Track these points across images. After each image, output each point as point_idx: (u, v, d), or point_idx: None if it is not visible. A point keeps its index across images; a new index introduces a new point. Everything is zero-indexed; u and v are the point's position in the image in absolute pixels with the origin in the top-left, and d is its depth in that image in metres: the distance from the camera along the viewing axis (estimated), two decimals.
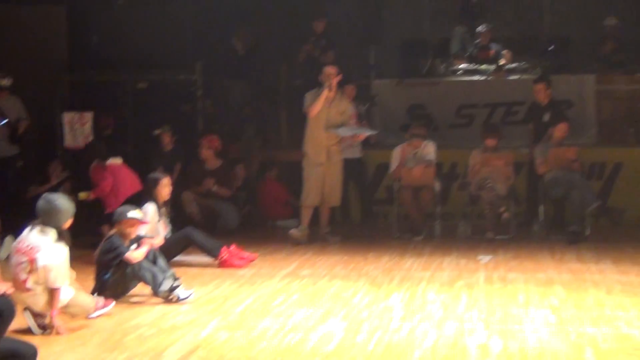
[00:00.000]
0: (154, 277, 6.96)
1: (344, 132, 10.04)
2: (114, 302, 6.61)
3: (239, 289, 7.51)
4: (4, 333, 4.84)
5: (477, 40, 12.86)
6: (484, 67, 12.59)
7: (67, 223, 6.14)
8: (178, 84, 12.60)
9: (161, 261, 7.19)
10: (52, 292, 5.96)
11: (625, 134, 12.03)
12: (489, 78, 12.53)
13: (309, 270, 8.41)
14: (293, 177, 10.72)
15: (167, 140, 11.49)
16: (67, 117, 11.68)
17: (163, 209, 8.41)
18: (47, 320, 5.99)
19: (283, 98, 12.82)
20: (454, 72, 12.78)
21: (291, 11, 13.05)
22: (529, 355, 5.33)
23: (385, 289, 7.42)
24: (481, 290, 7.37)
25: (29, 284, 5.95)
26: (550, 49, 12.73)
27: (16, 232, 6.23)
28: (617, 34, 12.57)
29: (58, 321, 5.97)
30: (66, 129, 11.62)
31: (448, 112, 12.40)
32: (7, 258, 6.31)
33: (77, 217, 6.30)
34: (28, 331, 5.94)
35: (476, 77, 12.61)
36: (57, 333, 5.92)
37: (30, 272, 5.94)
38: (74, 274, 6.33)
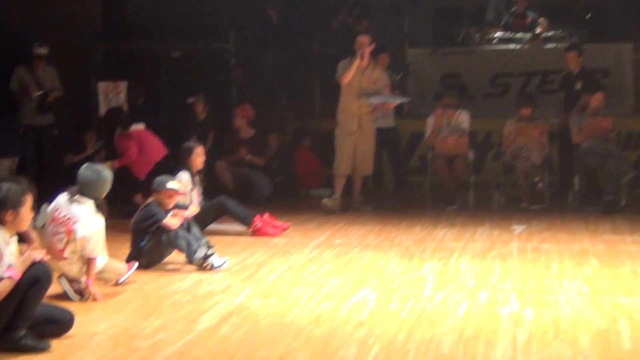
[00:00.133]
0: (189, 244, 7.02)
1: (375, 100, 9.98)
2: (136, 264, 6.66)
3: (271, 258, 7.55)
4: (42, 299, 4.91)
5: (513, 8, 12.71)
6: (519, 35, 12.46)
7: (105, 194, 6.23)
8: (212, 53, 12.60)
9: (195, 229, 7.26)
10: (89, 262, 6.04)
11: None
12: (525, 47, 12.41)
13: (342, 240, 8.43)
14: (326, 146, 10.72)
15: (201, 109, 11.53)
16: (102, 86, 11.77)
17: (196, 178, 8.45)
18: (82, 286, 6.08)
19: (316, 67, 12.79)
20: (489, 40, 12.66)
21: None
22: (562, 325, 5.32)
23: (418, 259, 7.42)
24: (514, 260, 7.34)
25: (66, 253, 6.03)
26: (587, 17, 12.55)
27: (50, 201, 6.30)
28: None
29: (94, 288, 6.05)
30: (101, 98, 11.71)
31: (483, 81, 12.32)
32: (43, 226, 6.39)
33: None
34: (65, 298, 6.03)
35: (512, 46, 12.49)
36: (94, 299, 6.00)
37: (68, 242, 6.02)
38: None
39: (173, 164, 9.90)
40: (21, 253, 4.91)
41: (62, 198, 6.15)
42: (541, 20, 12.42)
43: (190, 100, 11.60)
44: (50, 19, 11.36)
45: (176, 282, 6.65)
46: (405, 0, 13.28)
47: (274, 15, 12.63)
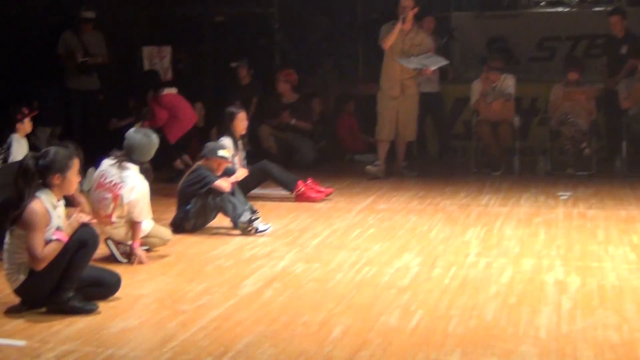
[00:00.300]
0: (235, 207, 7.06)
1: (411, 63, 9.82)
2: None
3: (315, 223, 7.57)
4: (89, 262, 4.99)
5: None
6: None
7: (151, 157, 6.29)
8: (255, 18, 12.57)
9: (239, 194, 7.30)
10: (135, 225, 6.11)
11: None
12: (573, 10, 12.18)
13: (385, 205, 8.41)
14: (369, 111, 10.68)
15: (244, 74, 11.53)
16: (146, 51, 11.82)
17: (239, 143, 8.47)
18: (128, 249, 6.15)
19: (360, 31, 12.70)
20: (536, 3, 12.46)
21: None
22: (607, 292, 5.27)
23: (462, 225, 7.39)
24: (560, 227, 7.27)
25: (113, 218, 6.11)
26: None
27: (97, 165, 6.37)
28: None
29: (140, 251, 6.13)
30: (145, 63, 11.77)
31: (529, 45, 12.15)
32: (89, 190, 6.47)
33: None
34: (111, 260, 6.12)
35: (559, 9, 12.28)
36: (140, 262, 6.08)
37: (115, 207, 6.09)
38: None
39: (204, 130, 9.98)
40: (68, 216, 4.99)
41: (107, 163, 6.22)
42: None
43: (234, 64, 11.61)
44: None
45: (220, 246, 6.70)
46: None
47: None
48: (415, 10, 9.75)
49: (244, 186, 7.88)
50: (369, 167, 10.02)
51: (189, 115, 10.18)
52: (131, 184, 6.06)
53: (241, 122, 8.40)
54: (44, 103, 9.55)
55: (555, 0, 12.34)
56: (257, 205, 7.55)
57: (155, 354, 4.28)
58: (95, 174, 6.32)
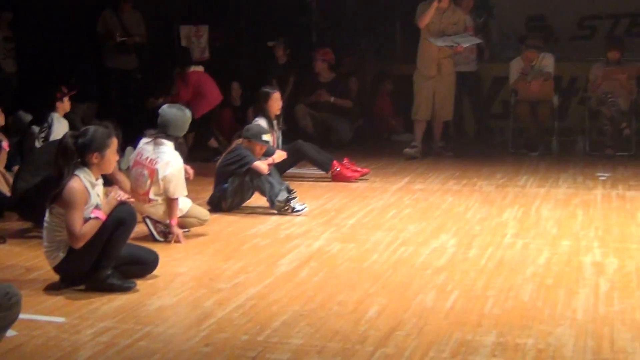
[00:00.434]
0: (272, 187, 7.09)
1: (441, 41, 9.71)
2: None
3: (351, 202, 7.57)
4: (127, 240, 5.04)
5: None
6: None
7: (185, 132, 6.36)
8: None
9: (275, 174, 7.31)
10: (171, 202, 6.16)
11: None
12: None
13: (422, 185, 8.39)
14: (407, 91, 10.61)
15: (281, 53, 11.52)
16: (184, 30, 11.86)
17: (274, 123, 8.47)
18: (165, 228, 6.21)
19: (397, 9, 12.60)
20: None
21: None
22: None
23: (499, 206, 7.35)
24: (598, 208, 7.20)
25: (151, 195, 6.16)
26: None
27: (135, 144, 6.43)
28: None
29: (177, 230, 6.18)
30: (183, 42, 11.81)
31: (569, 24, 11.98)
32: (127, 169, 6.53)
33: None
34: (149, 239, 6.17)
35: None
36: (177, 241, 6.13)
37: (151, 183, 6.14)
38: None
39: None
40: (107, 195, 5.04)
41: (144, 141, 6.29)
42: None
43: (271, 43, 11.61)
44: None
45: (256, 225, 6.74)
46: None
47: None
48: None
49: (279, 166, 7.88)
50: (406, 150, 9.99)
51: (215, 93, 10.27)
52: (166, 159, 6.12)
53: (275, 102, 8.37)
54: (79, 79, 9.64)
55: None
56: (293, 185, 7.56)
57: (192, 331, 4.32)
58: (133, 153, 6.38)
